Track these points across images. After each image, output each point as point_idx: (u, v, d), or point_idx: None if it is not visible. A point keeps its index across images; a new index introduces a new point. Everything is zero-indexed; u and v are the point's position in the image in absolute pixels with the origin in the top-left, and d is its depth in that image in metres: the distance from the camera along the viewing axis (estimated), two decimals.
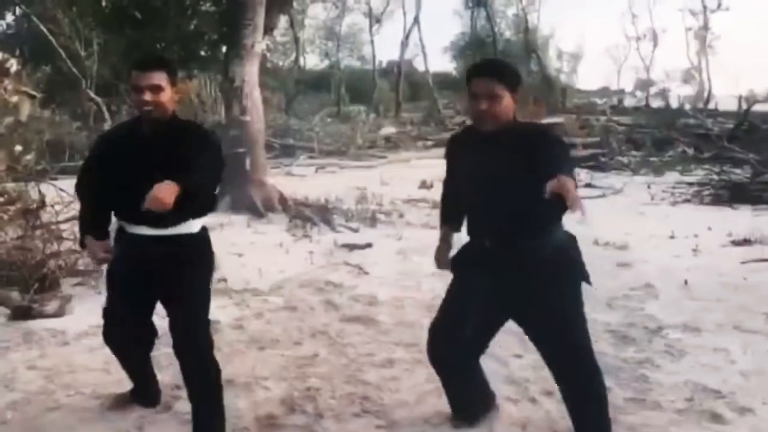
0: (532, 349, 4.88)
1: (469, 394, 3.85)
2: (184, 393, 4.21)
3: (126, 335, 3.81)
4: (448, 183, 3.81)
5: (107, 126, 20.61)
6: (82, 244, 3.65)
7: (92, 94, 21.93)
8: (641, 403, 4.13)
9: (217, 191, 3.76)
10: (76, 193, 3.79)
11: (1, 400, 4.11)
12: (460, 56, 44.13)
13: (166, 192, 3.01)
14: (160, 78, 3.42)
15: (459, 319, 3.56)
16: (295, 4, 32.03)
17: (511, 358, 4.83)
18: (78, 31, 17.14)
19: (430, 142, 20.95)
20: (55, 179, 8.48)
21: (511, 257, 3.36)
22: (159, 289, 3.65)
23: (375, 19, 34.22)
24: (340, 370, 4.62)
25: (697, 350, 4.96)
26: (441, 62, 54.23)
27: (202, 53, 11.97)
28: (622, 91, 50.75)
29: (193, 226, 3.62)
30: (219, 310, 5.81)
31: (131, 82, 3.43)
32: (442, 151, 17.19)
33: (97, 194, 3.61)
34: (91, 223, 3.61)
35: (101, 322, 5.21)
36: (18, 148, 6.68)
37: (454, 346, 3.61)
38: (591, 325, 5.36)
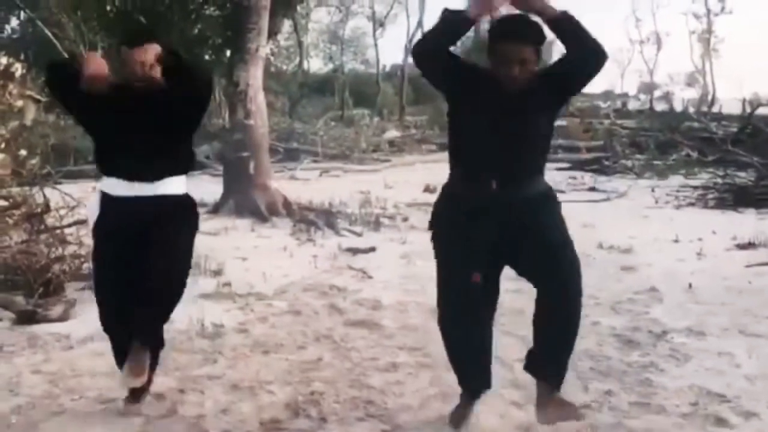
0: None
1: (480, 363, 3.80)
2: (190, 397, 4.24)
3: (124, 317, 3.76)
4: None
5: None
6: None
7: None
8: (646, 407, 4.12)
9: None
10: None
11: (6, 404, 4.10)
12: (467, 57, 44.00)
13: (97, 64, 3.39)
14: (149, 52, 3.45)
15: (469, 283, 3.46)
16: (299, 8, 32.05)
17: (516, 362, 4.82)
18: (83, 35, 17.15)
19: (434, 146, 20.93)
20: (59, 183, 8.51)
21: (518, 195, 3.40)
22: (146, 250, 3.66)
23: (378, 23, 34.24)
24: (344, 374, 4.61)
25: (701, 354, 4.95)
26: None
27: (207, 57, 11.99)
28: (626, 95, 50.75)
29: (176, 185, 3.75)
30: (223, 314, 5.83)
31: (121, 57, 3.47)
32: (446, 155, 17.30)
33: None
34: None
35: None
36: (23, 152, 6.70)
37: (472, 314, 3.60)
38: (596, 328, 5.47)
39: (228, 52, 10.93)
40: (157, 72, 3.48)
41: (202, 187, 12.22)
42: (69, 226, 7.40)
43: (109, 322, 3.91)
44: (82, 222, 7.30)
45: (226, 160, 10.97)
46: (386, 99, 31.68)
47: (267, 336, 5.35)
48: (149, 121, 3.59)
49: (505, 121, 3.29)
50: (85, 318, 5.68)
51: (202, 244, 8.11)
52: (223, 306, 6.06)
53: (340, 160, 17.14)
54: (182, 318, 5.54)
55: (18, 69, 6.90)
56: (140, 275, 3.67)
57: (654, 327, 5.50)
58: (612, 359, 4.87)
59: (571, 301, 3.48)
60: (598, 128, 22.73)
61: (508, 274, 3.67)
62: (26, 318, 5.59)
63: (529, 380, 4.47)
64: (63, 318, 5.67)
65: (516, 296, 5.05)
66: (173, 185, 3.75)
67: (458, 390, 3.93)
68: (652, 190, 12.86)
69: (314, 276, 7.13)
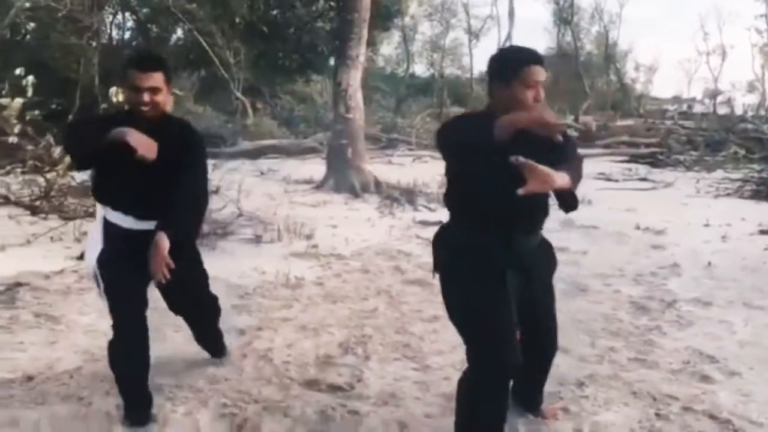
0: (560, 313, 4.88)
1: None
2: (265, 333, 4.37)
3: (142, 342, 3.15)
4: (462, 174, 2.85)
5: (250, 121, 21.27)
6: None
7: (238, 94, 22.62)
8: (642, 362, 4.02)
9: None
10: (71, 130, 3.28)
11: None
12: (549, 68, 43.18)
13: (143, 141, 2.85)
14: (158, 79, 2.96)
15: (512, 325, 2.82)
16: (407, 21, 32.25)
17: None
18: (228, 42, 17.65)
19: None
20: None
21: (530, 244, 2.91)
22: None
23: (473, 35, 34.02)
24: (392, 322, 4.67)
25: (703, 321, 4.78)
26: None
27: (316, 62, 12.19)
28: (692, 99, 48.52)
29: None
30: (306, 270, 5.98)
31: (130, 82, 2.95)
32: None
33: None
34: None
35: (211, 274, 5.43)
36: None
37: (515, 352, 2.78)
38: (615, 295, 5.34)
39: (333, 58, 11.04)
40: (163, 99, 3.01)
41: (313, 167, 12.50)
42: None
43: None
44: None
45: (330, 146, 11.17)
46: (478, 99, 31.28)
47: (337, 288, 5.46)
48: (160, 161, 2.97)
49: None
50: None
51: (301, 213, 8.39)
52: (307, 263, 6.20)
53: (431, 150, 17.05)
54: (272, 271, 5.75)
55: None
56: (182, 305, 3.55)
57: (666, 296, 5.33)
58: (623, 322, 4.75)
59: (555, 341, 3.20)
60: (660, 128, 21.91)
61: None
62: None
63: None
64: None
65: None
66: None
67: None
68: (697, 182, 12.34)
69: (388, 242, 7.19)
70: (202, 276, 3.62)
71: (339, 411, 3.32)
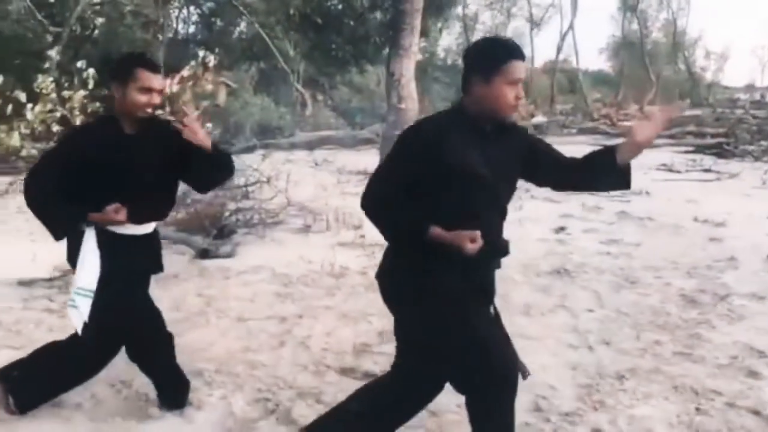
0: (606, 305, 4.80)
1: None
2: (305, 321, 4.43)
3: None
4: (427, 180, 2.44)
5: (309, 112, 21.51)
6: (69, 229, 2.90)
7: (298, 86, 22.87)
8: (687, 356, 3.91)
9: None
10: (32, 187, 2.93)
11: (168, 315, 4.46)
12: (615, 56, 42.40)
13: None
14: (163, 81, 2.99)
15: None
16: (468, 11, 32.08)
17: (584, 311, 4.70)
18: (285, 33, 17.80)
19: (574, 130, 20.33)
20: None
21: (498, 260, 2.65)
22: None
23: (535, 24, 33.49)
24: None
25: (756, 316, 4.62)
26: (597, 62, 51.92)
27: (369, 52, 12.20)
28: (767, 88, 46.78)
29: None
30: (353, 259, 6.01)
31: (141, 83, 2.83)
32: (584, 137, 16.50)
33: (64, 189, 2.87)
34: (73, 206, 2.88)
35: (257, 262, 5.48)
36: (209, 125, 7.09)
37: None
38: (666, 288, 5.20)
39: (386, 49, 11.04)
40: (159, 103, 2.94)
41: (368, 158, 12.55)
42: (248, 186, 7.85)
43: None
44: (258, 182, 7.72)
45: (383, 136, 11.18)
46: (540, 89, 30.89)
47: None
48: (153, 164, 2.97)
49: (492, 169, 2.47)
50: (244, 256, 6.05)
51: (351, 204, 8.40)
52: (354, 253, 6.24)
53: None
54: (318, 260, 5.81)
55: (211, 60, 7.29)
56: None
57: (720, 290, 5.16)
58: (671, 315, 4.63)
59: None
60: (730, 117, 21.16)
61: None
62: (201, 254, 6.01)
63: (588, 328, 4.39)
64: (229, 255, 6.04)
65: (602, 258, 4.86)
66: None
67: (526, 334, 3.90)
68: (765, 173, 11.86)
69: None
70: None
71: None
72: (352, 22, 10.87)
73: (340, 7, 10.65)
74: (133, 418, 3.12)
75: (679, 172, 12.19)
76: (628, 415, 3.21)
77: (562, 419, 3.19)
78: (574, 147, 15.23)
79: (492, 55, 2.43)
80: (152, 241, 3.13)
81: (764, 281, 5.41)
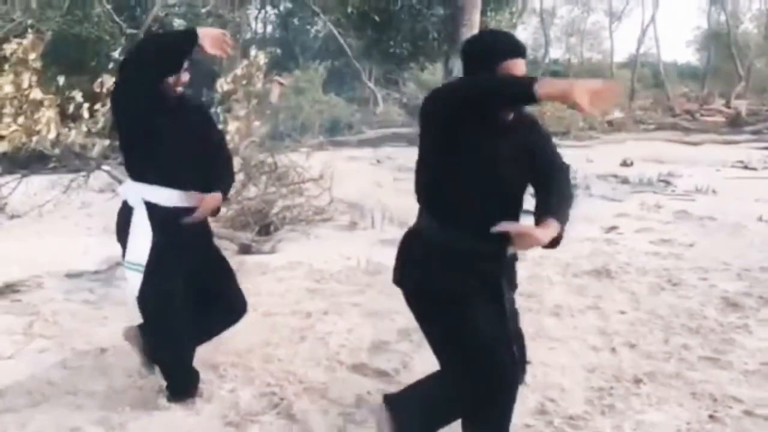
0: (641, 307, 4.67)
1: None
2: (330, 317, 4.47)
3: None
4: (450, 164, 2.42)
5: (380, 110, 21.61)
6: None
7: (370, 84, 23.02)
8: (714, 361, 3.78)
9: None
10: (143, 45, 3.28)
11: None
12: (703, 48, 40.83)
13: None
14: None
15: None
16: (545, 5, 31.52)
17: (615, 313, 4.58)
18: (348, 32, 17.91)
19: (651, 126, 19.67)
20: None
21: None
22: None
23: (615, 17, 32.63)
24: None
25: None
26: (685, 54, 49.99)
27: (427, 49, 12.18)
28: None
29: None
30: (391, 256, 6.01)
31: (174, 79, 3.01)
32: (660, 133, 15.97)
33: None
34: None
35: (297, 258, 5.49)
36: (257, 123, 7.23)
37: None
38: (709, 290, 5.02)
39: (444, 45, 11.01)
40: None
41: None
42: (300, 182, 7.95)
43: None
44: (308, 180, 7.82)
45: None
46: (620, 83, 30.04)
47: None
48: (196, 131, 3.15)
49: (505, 161, 2.44)
50: (284, 252, 6.16)
51: (404, 201, 8.43)
52: (394, 250, 6.23)
53: (559, 137, 16.62)
54: (357, 257, 5.85)
55: (261, 59, 7.43)
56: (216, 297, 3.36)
57: (767, 294, 4.94)
58: (708, 318, 4.46)
59: None
60: None
61: None
62: (244, 250, 6.15)
63: (615, 329, 4.28)
64: (270, 252, 6.17)
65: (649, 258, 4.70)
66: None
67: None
68: None
69: None
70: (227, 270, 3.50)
71: (375, 395, 3.36)
72: (410, 20, 10.87)
73: (399, 4, 10.68)
74: (141, 408, 3.24)
75: (754, 169, 11.68)
76: (636, 421, 3.13)
77: (565, 422, 3.14)
78: (647, 144, 14.81)
79: (490, 53, 2.36)
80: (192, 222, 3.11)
81: None
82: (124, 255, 3.09)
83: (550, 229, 2.31)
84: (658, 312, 4.57)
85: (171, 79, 3.01)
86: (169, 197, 3.06)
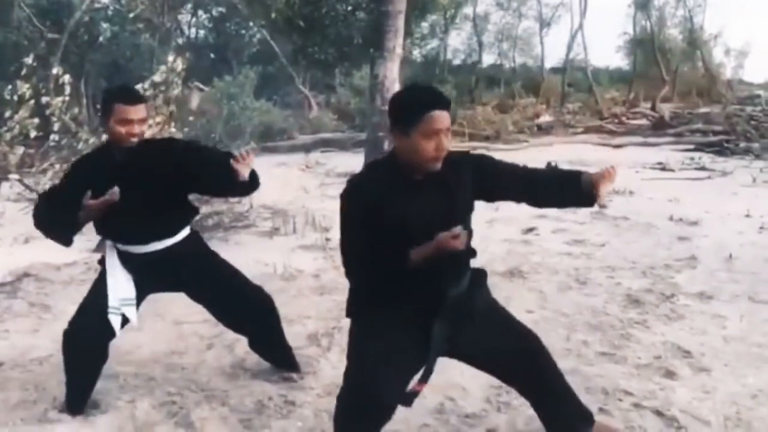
0: (548, 306, 4.79)
1: None
2: None
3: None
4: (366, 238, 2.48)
5: (312, 115, 21.62)
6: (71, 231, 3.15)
7: (303, 88, 23.00)
8: (609, 356, 3.91)
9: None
10: (38, 210, 3.23)
11: None
12: (630, 53, 42.04)
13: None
14: (144, 110, 3.12)
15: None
16: (478, 11, 32.01)
17: (523, 313, 4.68)
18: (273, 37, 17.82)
19: (579, 129, 20.15)
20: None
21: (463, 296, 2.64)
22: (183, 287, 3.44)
23: (545, 23, 33.33)
24: None
25: (695, 316, 4.59)
26: (614, 59, 51.43)
27: (352, 55, 12.25)
28: None
29: (183, 233, 3.34)
30: (310, 262, 6.05)
31: (119, 116, 3.00)
32: (589, 137, 16.33)
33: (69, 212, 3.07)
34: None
35: None
36: (172, 130, 7.16)
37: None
38: (614, 288, 5.19)
39: (370, 50, 11.08)
40: (144, 130, 3.17)
41: (359, 160, 12.58)
42: None
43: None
44: None
45: (367, 139, 11.20)
46: (550, 88, 30.66)
47: (332, 281, 5.43)
48: (149, 186, 3.15)
49: (434, 213, 2.48)
50: None
51: (329, 206, 8.47)
52: (313, 255, 6.28)
53: (490, 141, 16.90)
54: (275, 263, 5.84)
55: (180, 65, 7.36)
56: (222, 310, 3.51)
57: (668, 290, 5.13)
58: (609, 315, 4.61)
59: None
60: (740, 114, 20.86)
61: None
62: None
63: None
64: None
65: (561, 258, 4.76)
66: (181, 234, 3.32)
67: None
68: (761, 171, 11.73)
69: None
70: (224, 266, 3.52)
71: (276, 401, 3.39)
72: (335, 25, 10.91)
73: (324, 10, 10.73)
74: (35, 421, 3.19)
75: (672, 170, 12.08)
76: (528, 416, 3.21)
77: (462, 421, 3.21)
78: (573, 147, 15.13)
79: (408, 108, 2.40)
80: (170, 258, 3.26)
81: (717, 281, 5.37)
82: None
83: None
84: (564, 310, 4.71)
85: (123, 129, 3.02)
86: (136, 247, 3.24)
